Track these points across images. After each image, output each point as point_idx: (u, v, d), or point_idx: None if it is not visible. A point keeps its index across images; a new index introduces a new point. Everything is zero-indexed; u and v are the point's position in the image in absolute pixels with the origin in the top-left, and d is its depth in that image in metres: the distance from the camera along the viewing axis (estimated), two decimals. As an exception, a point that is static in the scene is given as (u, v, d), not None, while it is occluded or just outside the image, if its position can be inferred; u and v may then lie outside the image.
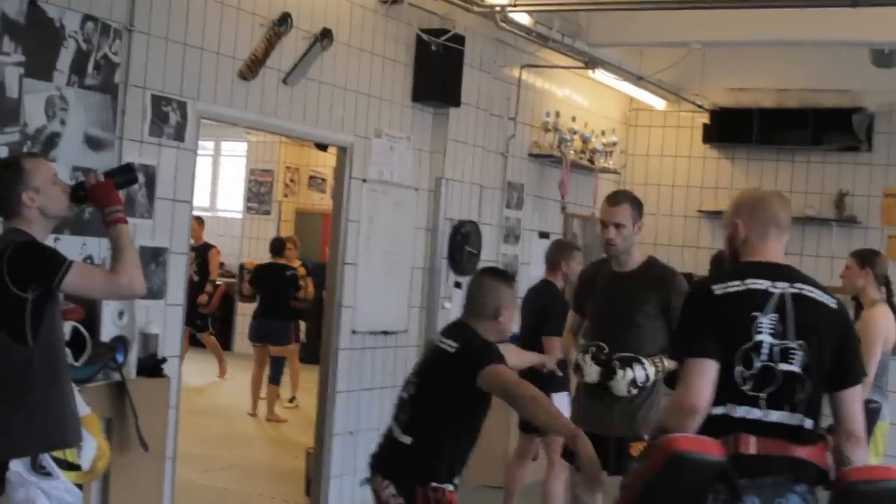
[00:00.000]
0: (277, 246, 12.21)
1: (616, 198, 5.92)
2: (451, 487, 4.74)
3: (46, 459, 4.12)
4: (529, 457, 7.72)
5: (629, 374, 5.56)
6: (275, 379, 11.51)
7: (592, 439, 4.82)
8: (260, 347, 11.71)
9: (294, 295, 11.69)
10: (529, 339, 7.42)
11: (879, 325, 6.88)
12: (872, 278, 7.05)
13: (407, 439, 4.78)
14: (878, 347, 6.82)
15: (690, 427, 3.71)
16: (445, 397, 4.74)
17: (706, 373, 3.74)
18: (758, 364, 3.77)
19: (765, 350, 3.78)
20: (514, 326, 6.12)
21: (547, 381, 7.04)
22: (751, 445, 3.73)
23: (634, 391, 5.58)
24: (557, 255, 7.72)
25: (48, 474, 4.11)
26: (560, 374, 7.19)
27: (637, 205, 5.88)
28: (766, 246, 3.98)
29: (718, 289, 3.85)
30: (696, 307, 3.93)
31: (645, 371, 5.60)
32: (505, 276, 5.18)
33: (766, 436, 3.74)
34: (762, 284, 3.83)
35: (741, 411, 3.78)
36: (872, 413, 6.79)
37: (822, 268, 10.74)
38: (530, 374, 6.69)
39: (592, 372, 5.63)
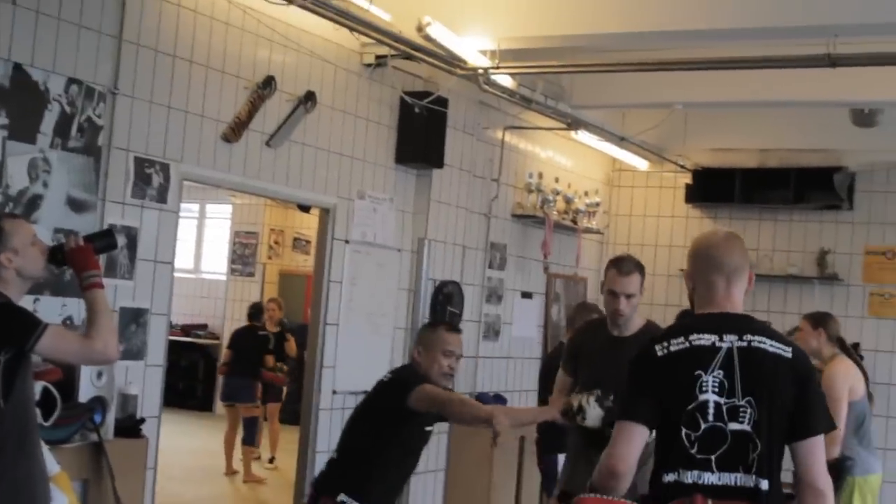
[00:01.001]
0: (255, 311, 12.23)
1: (626, 267, 5.69)
2: None
3: None
4: None
5: None
6: (248, 440, 11.41)
7: None
8: (230, 407, 11.67)
9: (265, 356, 11.67)
10: (544, 401, 7.30)
11: (839, 377, 6.90)
12: (825, 338, 7.11)
13: (335, 455, 5.25)
14: (844, 400, 6.81)
15: (615, 488, 3.64)
16: (374, 417, 5.14)
17: (632, 436, 3.65)
18: (704, 425, 3.63)
19: (710, 410, 3.63)
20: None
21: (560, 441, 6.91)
22: None
23: None
24: (578, 316, 7.62)
25: None
26: None
27: (644, 272, 5.78)
28: (713, 295, 3.79)
29: (660, 349, 3.70)
30: (638, 369, 3.77)
31: None
32: (432, 324, 5.59)
33: (722, 499, 3.60)
34: (707, 340, 3.69)
35: (692, 476, 3.65)
36: (845, 469, 6.78)
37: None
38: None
39: (595, 415, 5.43)
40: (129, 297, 6.34)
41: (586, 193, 10.86)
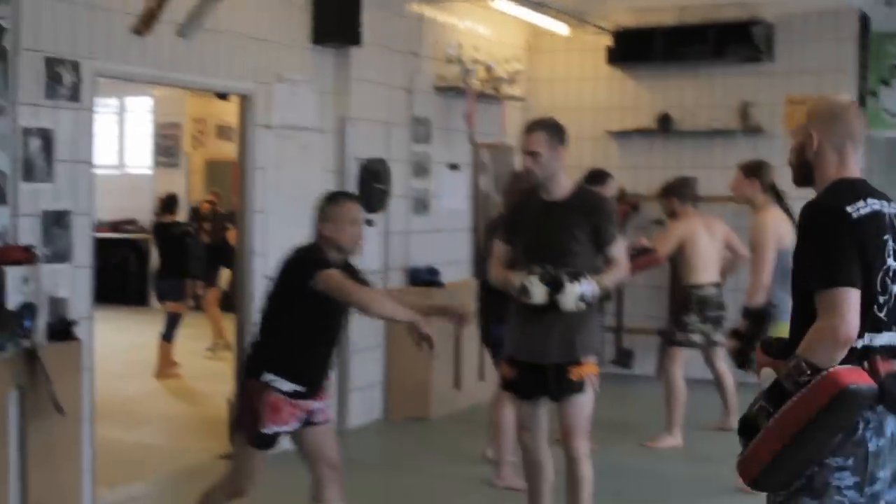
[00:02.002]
0: (167, 204, 12.11)
1: (531, 126, 5.80)
2: (284, 388, 5.07)
3: None
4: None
5: (577, 288, 5.45)
6: (167, 336, 11.30)
7: (531, 369, 5.64)
8: (164, 306, 11.68)
9: (187, 251, 11.58)
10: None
11: (767, 226, 7.06)
12: (759, 187, 7.23)
13: (256, 336, 5.33)
14: (770, 249, 6.97)
15: (839, 360, 3.53)
16: (284, 295, 5.21)
17: (856, 303, 3.54)
18: (893, 289, 3.64)
19: (891, 274, 3.63)
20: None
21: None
22: (888, 366, 3.60)
23: (582, 305, 5.49)
24: (511, 186, 7.63)
25: None
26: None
27: (555, 131, 5.71)
28: (848, 161, 3.75)
29: (853, 211, 3.60)
30: (835, 232, 3.62)
31: (591, 286, 5.52)
32: (333, 197, 5.50)
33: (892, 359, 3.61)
34: (877, 205, 3.66)
35: (882, 339, 3.64)
36: (769, 316, 6.94)
37: (731, 178, 10.84)
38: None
39: (540, 293, 5.47)
40: (50, 200, 6.26)
41: (507, 61, 10.79)
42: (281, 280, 5.26)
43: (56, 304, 6.08)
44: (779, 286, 6.99)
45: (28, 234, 6.11)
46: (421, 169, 9.81)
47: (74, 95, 6.44)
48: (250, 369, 5.22)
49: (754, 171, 7.32)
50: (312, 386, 5.18)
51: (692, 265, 8.57)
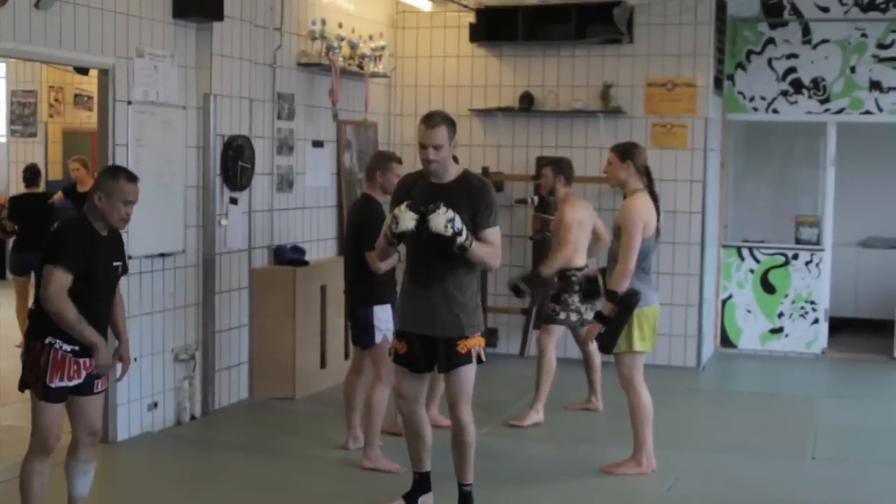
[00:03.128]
0: (31, 175, 11.81)
1: (432, 120, 6.12)
2: (63, 347, 5.47)
3: None
4: (364, 370, 7.70)
5: (448, 212, 5.73)
6: None
7: (421, 341, 6.14)
8: (21, 280, 11.34)
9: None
10: (351, 256, 7.45)
11: (637, 212, 7.14)
12: (633, 170, 7.31)
13: (33, 305, 5.62)
14: (639, 235, 7.08)
15: None
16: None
17: None
18: None
19: None
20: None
21: (371, 293, 7.37)
22: None
23: (451, 231, 5.71)
24: (374, 165, 7.67)
25: None
26: None
27: (452, 124, 6.16)
28: None
29: None
30: None
31: (461, 220, 5.80)
32: (113, 172, 5.75)
33: None
34: None
35: None
36: (634, 303, 7.10)
37: (592, 158, 11.06)
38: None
39: (408, 218, 5.79)
40: None
41: (371, 37, 10.76)
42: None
43: None
44: (636, 273, 7.15)
45: None
46: (285, 146, 9.75)
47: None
48: (32, 332, 5.56)
49: (628, 153, 7.35)
50: (85, 345, 5.51)
51: (577, 248, 8.68)
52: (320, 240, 10.35)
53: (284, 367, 9.28)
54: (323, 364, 9.70)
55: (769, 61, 11.72)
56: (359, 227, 7.36)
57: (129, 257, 7.69)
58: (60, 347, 5.46)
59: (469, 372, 6.13)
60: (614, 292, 7.10)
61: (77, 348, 5.49)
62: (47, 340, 5.46)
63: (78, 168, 11.71)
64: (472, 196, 6.05)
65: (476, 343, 6.13)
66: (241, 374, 9.21)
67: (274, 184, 9.59)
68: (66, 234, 5.59)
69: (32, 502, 5.63)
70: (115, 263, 5.73)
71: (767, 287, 11.92)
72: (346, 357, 9.67)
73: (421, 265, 6.18)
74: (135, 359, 7.88)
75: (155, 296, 8.17)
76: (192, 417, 8.55)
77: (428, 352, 6.15)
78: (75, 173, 11.70)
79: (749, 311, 11.98)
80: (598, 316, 7.26)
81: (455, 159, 6.43)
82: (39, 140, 16.61)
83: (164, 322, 8.27)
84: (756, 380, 11.12)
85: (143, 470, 7.54)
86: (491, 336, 11.38)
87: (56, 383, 5.46)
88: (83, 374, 5.56)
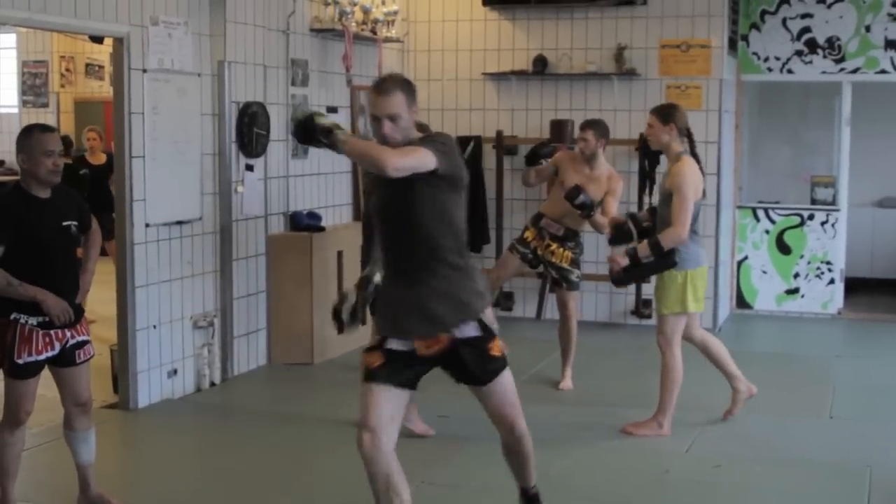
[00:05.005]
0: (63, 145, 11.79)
1: (385, 86, 4.81)
2: (30, 321, 5.46)
3: None
4: None
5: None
6: None
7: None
8: None
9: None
10: None
11: (690, 178, 7.13)
12: (676, 132, 7.28)
13: None
14: (692, 200, 7.09)
15: None
16: None
17: None
18: None
19: None
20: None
21: None
22: None
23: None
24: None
25: None
26: None
27: (410, 89, 4.87)
28: None
29: None
30: None
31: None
32: (26, 130, 5.64)
33: None
34: None
35: None
36: (672, 262, 7.17)
37: (606, 121, 10.99)
38: None
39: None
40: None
41: (384, 2, 10.72)
42: None
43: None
44: (690, 234, 7.19)
45: None
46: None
47: (-56, 39, 6.26)
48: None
49: (670, 116, 7.29)
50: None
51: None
52: (336, 205, 10.35)
53: (302, 333, 9.30)
54: (340, 329, 9.69)
55: (783, 21, 11.65)
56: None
57: (147, 225, 7.81)
58: (27, 322, 5.44)
59: (510, 375, 5.09)
60: (660, 245, 7.12)
61: (45, 319, 5.46)
62: (13, 316, 5.45)
63: (94, 138, 11.69)
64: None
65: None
66: (259, 340, 9.24)
67: (289, 150, 9.59)
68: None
69: (6, 473, 5.68)
70: (66, 223, 5.63)
71: (783, 248, 11.91)
72: (364, 322, 9.66)
73: (398, 251, 5.00)
74: (154, 326, 7.99)
75: (173, 263, 8.20)
76: (212, 384, 8.60)
77: (417, 360, 4.96)
78: (90, 143, 11.68)
79: (765, 272, 11.98)
80: (631, 254, 7.26)
81: (424, 128, 5.31)
82: (51, 110, 16.63)
83: (183, 289, 8.30)
84: (772, 341, 11.13)
85: (164, 436, 7.59)
86: (507, 300, 11.40)
87: (25, 359, 5.45)
88: (56, 345, 5.55)
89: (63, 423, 5.87)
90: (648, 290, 10.96)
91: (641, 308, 11.14)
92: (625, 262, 7.24)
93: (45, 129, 5.67)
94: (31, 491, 6.16)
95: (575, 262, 8.71)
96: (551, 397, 8.45)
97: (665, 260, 7.16)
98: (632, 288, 11.08)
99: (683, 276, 7.25)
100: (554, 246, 8.69)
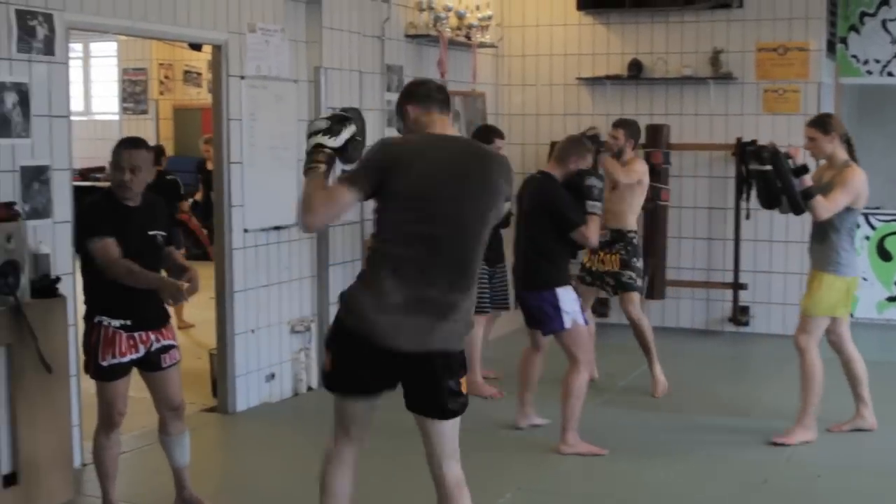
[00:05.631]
0: (155, 155, 11.97)
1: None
2: (113, 324, 5.51)
3: None
4: (540, 349, 7.57)
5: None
6: None
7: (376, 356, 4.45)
8: None
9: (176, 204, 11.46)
10: (531, 236, 7.19)
11: (859, 184, 7.12)
12: (838, 141, 7.23)
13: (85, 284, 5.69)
14: (848, 200, 7.11)
15: None
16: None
17: None
18: None
19: None
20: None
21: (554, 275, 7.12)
22: None
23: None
24: (571, 150, 7.23)
25: None
26: None
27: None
28: None
29: None
30: None
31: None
32: (118, 143, 5.70)
33: None
34: None
35: None
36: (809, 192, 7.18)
37: (702, 125, 10.96)
38: None
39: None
40: (28, 156, 6.23)
41: (478, 7, 10.75)
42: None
43: (38, 260, 6.06)
44: (848, 243, 7.14)
45: (7, 190, 6.09)
46: (395, 118, 9.75)
47: (48, 48, 6.39)
48: (86, 313, 5.61)
49: (830, 126, 7.23)
50: (137, 318, 5.57)
51: (635, 209, 8.83)
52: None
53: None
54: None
55: (883, 23, 11.44)
56: (553, 207, 7.05)
57: (245, 230, 7.89)
58: (110, 324, 5.51)
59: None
60: (807, 195, 7.15)
61: (128, 323, 5.53)
62: (96, 319, 5.52)
63: (209, 149, 11.94)
64: None
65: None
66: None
67: (384, 156, 9.61)
68: (90, 210, 5.61)
69: (106, 475, 5.78)
70: (152, 232, 5.69)
71: (884, 254, 11.70)
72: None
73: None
74: (252, 330, 8.07)
75: (270, 268, 8.28)
76: (309, 388, 8.66)
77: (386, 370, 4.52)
78: (206, 154, 11.92)
79: (865, 279, 11.77)
80: (799, 171, 7.23)
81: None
82: (151, 117, 16.89)
83: (280, 294, 8.38)
84: (873, 349, 10.88)
85: (261, 440, 7.66)
86: (601, 306, 11.34)
87: (108, 361, 5.51)
88: (140, 348, 5.60)
89: (158, 427, 5.96)
90: (746, 297, 10.87)
91: (739, 315, 10.99)
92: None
93: (129, 143, 5.70)
94: (130, 492, 6.26)
95: (625, 264, 8.61)
96: (647, 405, 8.38)
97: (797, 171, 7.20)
98: (729, 294, 10.96)
99: (844, 282, 7.24)
100: (602, 254, 8.63)
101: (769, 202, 7.46)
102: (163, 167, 11.75)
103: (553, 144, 10.80)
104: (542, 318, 7.16)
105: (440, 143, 4.57)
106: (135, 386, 5.80)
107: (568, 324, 7.04)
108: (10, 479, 5.76)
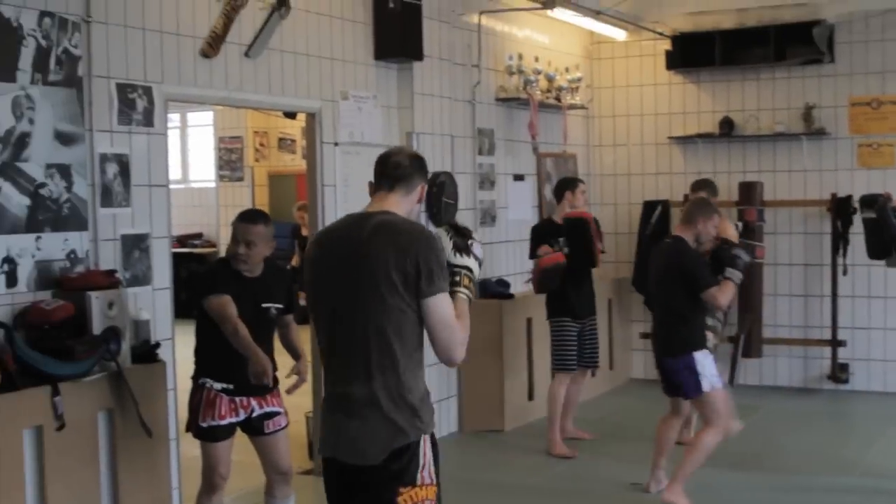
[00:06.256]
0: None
1: None
2: (216, 386, 5.67)
3: None
4: (679, 415, 7.57)
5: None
6: None
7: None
8: None
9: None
10: (668, 301, 7.13)
11: None
12: None
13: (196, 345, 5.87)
14: None
15: None
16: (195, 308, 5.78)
17: None
18: None
19: None
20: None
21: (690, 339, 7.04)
22: None
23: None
24: (698, 212, 7.21)
25: None
26: None
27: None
28: None
29: None
30: None
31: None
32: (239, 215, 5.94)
33: None
34: None
35: None
36: None
37: (796, 182, 10.89)
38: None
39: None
40: (129, 224, 6.39)
41: (567, 70, 10.83)
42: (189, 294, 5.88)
43: (139, 326, 6.20)
44: None
45: (108, 258, 6.24)
46: (486, 180, 9.86)
47: (147, 120, 6.56)
48: (194, 372, 5.78)
49: None
50: (239, 383, 5.67)
51: None
52: (524, 272, 10.38)
53: (493, 400, 9.34)
54: (531, 396, 9.73)
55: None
56: (684, 269, 7.01)
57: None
58: (212, 387, 5.65)
59: None
60: None
61: (230, 387, 5.66)
62: (201, 381, 5.69)
63: (303, 216, 12.18)
64: None
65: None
66: (450, 407, 9.30)
67: (477, 218, 9.69)
68: (209, 272, 5.96)
69: None
70: (266, 305, 5.81)
71: None
72: (553, 389, 9.67)
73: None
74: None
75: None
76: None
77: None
78: (301, 220, 12.15)
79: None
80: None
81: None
82: (246, 184, 17.16)
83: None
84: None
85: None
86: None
87: (208, 422, 5.65)
88: (241, 412, 5.71)
89: (265, 490, 6.05)
90: (845, 353, 10.69)
91: (838, 372, 10.82)
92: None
93: (246, 217, 5.89)
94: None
95: None
96: (749, 465, 8.26)
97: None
98: (827, 352, 10.80)
99: None
100: None
101: (878, 252, 7.33)
102: None
103: (646, 204, 10.83)
104: (680, 384, 7.06)
105: (338, 228, 4.17)
106: (237, 448, 5.87)
107: (706, 387, 6.93)
108: (113, 541, 5.86)
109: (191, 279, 5.92)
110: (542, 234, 8.70)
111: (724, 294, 6.98)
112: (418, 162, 4.19)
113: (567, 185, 8.83)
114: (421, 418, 3.92)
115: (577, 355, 8.61)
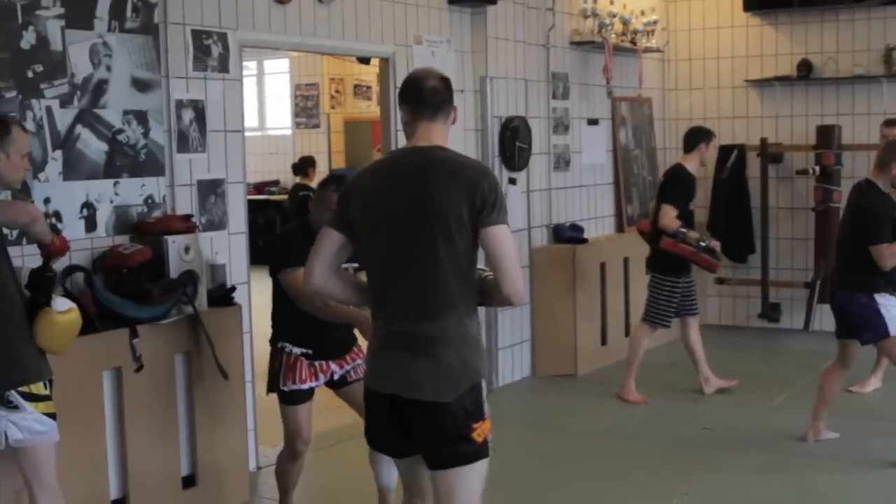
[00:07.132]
0: (300, 165, 12.16)
1: None
2: (295, 351, 5.56)
3: (12, 394, 4.34)
4: (848, 366, 7.21)
5: None
6: None
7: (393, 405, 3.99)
8: None
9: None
10: (848, 240, 6.95)
11: None
12: None
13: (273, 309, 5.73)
14: None
15: None
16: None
17: None
18: None
19: None
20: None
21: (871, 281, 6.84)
22: None
23: None
24: (891, 156, 6.92)
25: (15, 407, 4.35)
26: None
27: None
28: None
29: None
30: None
31: None
32: (321, 183, 5.69)
33: None
34: None
35: None
36: None
37: (875, 125, 10.67)
38: None
39: None
40: (205, 170, 6.47)
41: (643, 13, 10.72)
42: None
43: (215, 270, 6.29)
44: None
45: (185, 203, 6.34)
46: (560, 125, 9.82)
47: (223, 66, 6.62)
48: (272, 337, 5.68)
49: None
50: (318, 349, 5.59)
51: None
52: (598, 217, 10.38)
53: (566, 344, 9.36)
54: (604, 341, 9.74)
55: None
56: (861, 216, 6.85)
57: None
58: (291, 351, 5.56)
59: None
60: None
61: (309, 352, 5.57)
62: (279, 345, 5.59)
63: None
64: None
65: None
66: (523, 351, 9.34)
67: (551, 163, 9.67)
68: (284, 240, 5.66)
69: (285, 490, 5.87)
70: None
71: None
72: (627, 334, 9.67)
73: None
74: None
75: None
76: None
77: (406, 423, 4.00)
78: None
79: None
80: None
81: None
82: (322, 131, 17.26)
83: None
84: None
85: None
86: (773, 311, 11.15)
87: (289, 386, 5.56)
88: (321, 377, 5.63)
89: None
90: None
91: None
92: None
93: (336, 184, 5.45)
94: (304, 496, 6.39)
95: None
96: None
97: None
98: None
99: None
100: None
101: None
102: (311, 180, 11.94)
103: (721, 148, 10.73)
104: (860, 324, 6.89)
105: (396, 162, 4.08)
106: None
107: (893, 330, 6.77)
108: (189, 481, 6.00)
109: (267, 249, 5.75)
110: (686, 182, 8.50)
111: (889, 253, 6.68)
112: (449, 84, 4.14)
113: (703, 135, 8.50)
114: (482, 355, 4.01)
115: (674, 312, 8.48)
